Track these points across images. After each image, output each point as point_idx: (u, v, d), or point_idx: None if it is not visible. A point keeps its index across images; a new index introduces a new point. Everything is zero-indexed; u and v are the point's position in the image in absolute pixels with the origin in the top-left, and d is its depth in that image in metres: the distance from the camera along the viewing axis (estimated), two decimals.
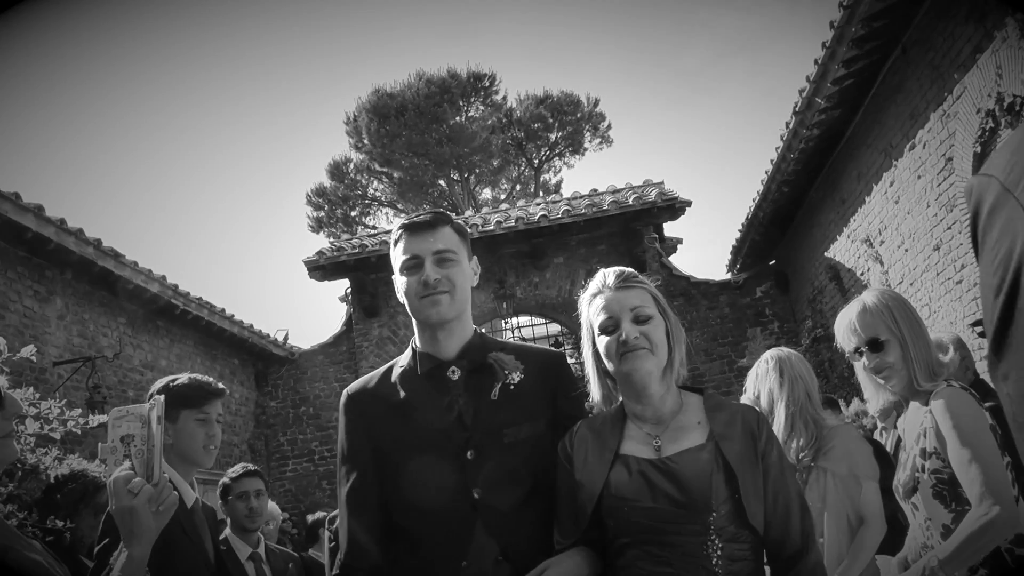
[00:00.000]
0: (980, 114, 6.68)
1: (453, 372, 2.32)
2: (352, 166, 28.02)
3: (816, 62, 8.24)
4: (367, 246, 12.73)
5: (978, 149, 6.83)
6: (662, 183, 13.38)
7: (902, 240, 8.72)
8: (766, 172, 10.99)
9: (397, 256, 2.37)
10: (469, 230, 2.59)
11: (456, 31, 48.16)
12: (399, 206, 27.63)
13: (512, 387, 2.29)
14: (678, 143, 58.02)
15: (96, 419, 4.74)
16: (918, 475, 2.53)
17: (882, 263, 9.39)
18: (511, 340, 2.62)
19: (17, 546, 1.89)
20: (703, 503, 1.99)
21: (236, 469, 4.44)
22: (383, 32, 48.05)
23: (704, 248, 51.49)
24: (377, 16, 47.92)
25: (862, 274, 10.12)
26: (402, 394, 2.34)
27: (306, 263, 12.70)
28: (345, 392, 2.46)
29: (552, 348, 2.52)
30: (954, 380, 2.59)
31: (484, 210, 15.25)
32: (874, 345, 2.61)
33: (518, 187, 29.12)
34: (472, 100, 27.70)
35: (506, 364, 2.31)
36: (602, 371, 2.24)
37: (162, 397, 1.96)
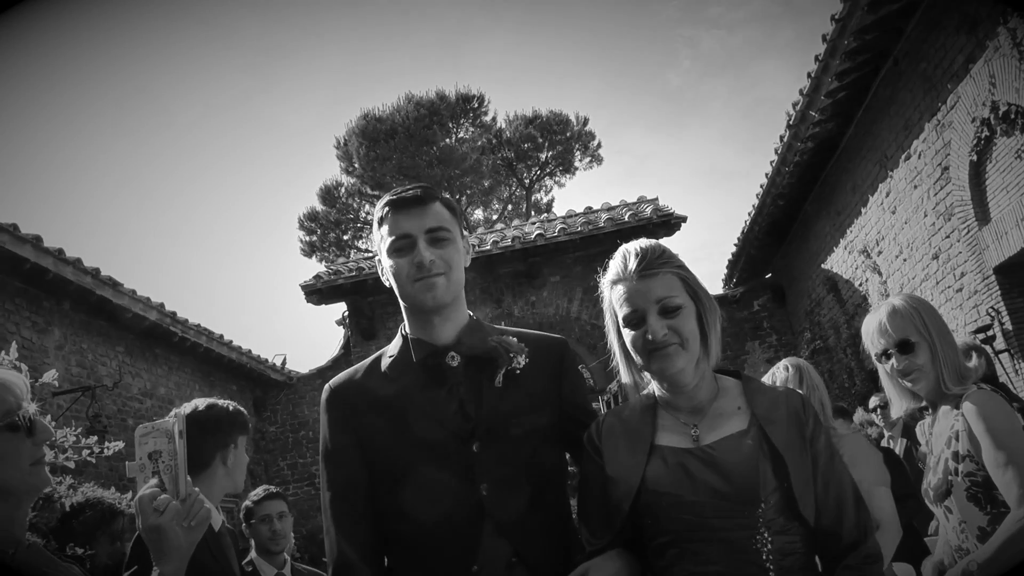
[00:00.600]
0: (975, 123, 6.74)
1: (452, 358, 2.10)
2: (343, 190, 28.03)
3: (809, 75, 8.31)
4: (364, 269, 12.72)
5: (974, 158, 6.89)
6: (656, 199, 13.42)
7: (900, 250, 8.77)
8: (761, 185, 11.04)
9: (383, 236, 2.13)
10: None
11: (444, 54, 48.46)
12: None
13: (517, 372, 2.09)
14: (668, 160, 58.35)
15: (111, 447, 4.71)
16: (951, 478, 2.52)
17: (880, 273, 9.43)
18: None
19: (55, 571, 1.87)
20: (750, 493, 1.80)
21: (258, 492, 4.41)
22: (372, 56, 48.25)
23: (700, 263, 51.66)
24: (366, 40, 48.19)
25: (860, 285, 10.16)
26: (394, 385, 2.11)
27: (303, 287, 12.68)
28: (327, 387, 2.21)
29: (553, 334, 2.35)
30: (983, 383, 2.59)
31: (479, 230, 15.27)
32: (904, 347, 2.61)
33: (509, 207, 29.18)
34: (461, 121, 27.77)
35: (511, 347, 2.10)
36: (629, 357, 2.01)
37: (183, 412, 1.92)
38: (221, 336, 11.79)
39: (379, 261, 2.20)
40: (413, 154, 25.66)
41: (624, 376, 2.07)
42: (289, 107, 50.22)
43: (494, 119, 28.41)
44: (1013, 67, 6.07)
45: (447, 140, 26.93)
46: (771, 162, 10.35)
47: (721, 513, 1.81)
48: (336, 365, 13.68)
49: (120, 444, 5.00)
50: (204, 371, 11.97)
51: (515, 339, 2.15)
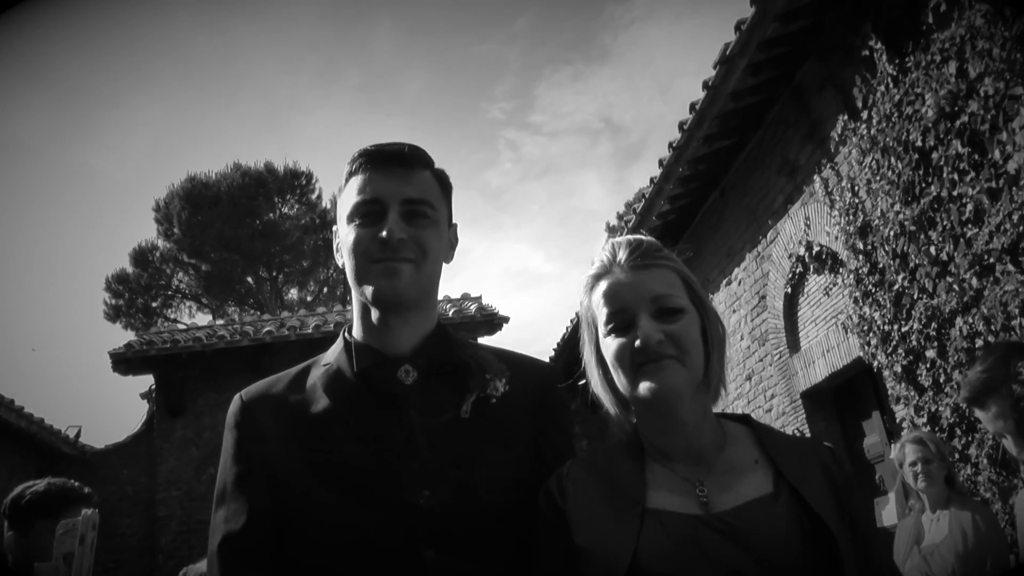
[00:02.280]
0: (791, 259, 7.33)
1: (406, 373, 1.59)
2: (158, 254, 26.95)
3: (643, 195, 8.80)
4: (179, 341, 12.13)
5: (789, 290, 7.48)
6: (480, 297, 13.66)
7: None
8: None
9: (348, 196, 1.63)
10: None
11: (272, 124, 47.97)
12: (203, 300, 26.67)
13: (493, 401, 1.59)
14: (483, 257, 59.63)
15: None
16: None
17: None
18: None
19: None
20: None
21: None
22: (197, 114, 47.06)
23: None
24: (192, 97, 47.02)
25: None
26: (324, 402, 1.59)
27: (112, 355, 11.94)
28: (238, 398, 1.66)
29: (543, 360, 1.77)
30: None
31: (301, 311, 14.98)
32: None
33: (326, 290, 28.83)
34: (288, 197, 27.56)
35: (488, 366, 1.62)
36: (611, 382, 1.54)
37: (92, 512, 1.76)
38: (12, 401, 10.87)
39: (335, 233, 1.70)
40: (236, 224, 25.08)
41: (607, 403, 1.59)
42: (103, 157, 47.94)
43: (319, 198, 28.36)
44: (824, 213, 6.68)
45: (271, 214, 26.57)
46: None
47: None
48: (136, 442, 12.87)
49: None
50: None
51: (495, 358, 1.67)
